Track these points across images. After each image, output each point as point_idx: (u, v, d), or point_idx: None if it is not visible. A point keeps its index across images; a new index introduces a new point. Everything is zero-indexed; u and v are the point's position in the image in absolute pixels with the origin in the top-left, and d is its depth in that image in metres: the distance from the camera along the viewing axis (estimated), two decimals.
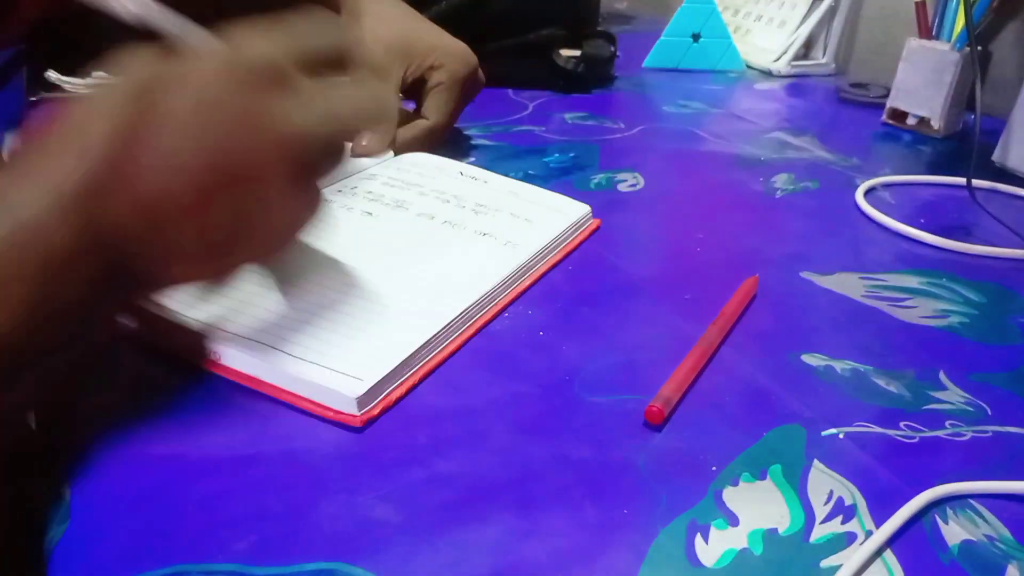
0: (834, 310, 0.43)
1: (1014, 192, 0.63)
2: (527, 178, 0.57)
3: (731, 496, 0.29)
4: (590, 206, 0.51)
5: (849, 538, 0.28)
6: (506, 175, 0.55)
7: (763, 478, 0.30)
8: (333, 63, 0.32)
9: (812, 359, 0.38)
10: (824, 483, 0.30)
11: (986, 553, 0.28)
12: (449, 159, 0.55)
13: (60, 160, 0.26)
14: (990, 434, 0.34)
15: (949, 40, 0.74)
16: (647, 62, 0.96)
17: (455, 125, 0.62)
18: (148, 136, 0.27)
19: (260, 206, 0.29)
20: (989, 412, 0.35)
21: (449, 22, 0.63)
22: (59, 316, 0.27)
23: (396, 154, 0.55)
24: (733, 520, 0.28)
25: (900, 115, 0.78)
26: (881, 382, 0.37)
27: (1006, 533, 0.29)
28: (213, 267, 0.31)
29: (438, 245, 0.43)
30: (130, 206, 0.27)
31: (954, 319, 0.43)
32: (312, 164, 0.31)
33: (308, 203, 0.32)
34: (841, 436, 0.33)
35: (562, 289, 0.43)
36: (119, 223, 0.27)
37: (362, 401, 0.31)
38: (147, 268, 0.29)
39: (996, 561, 0.27)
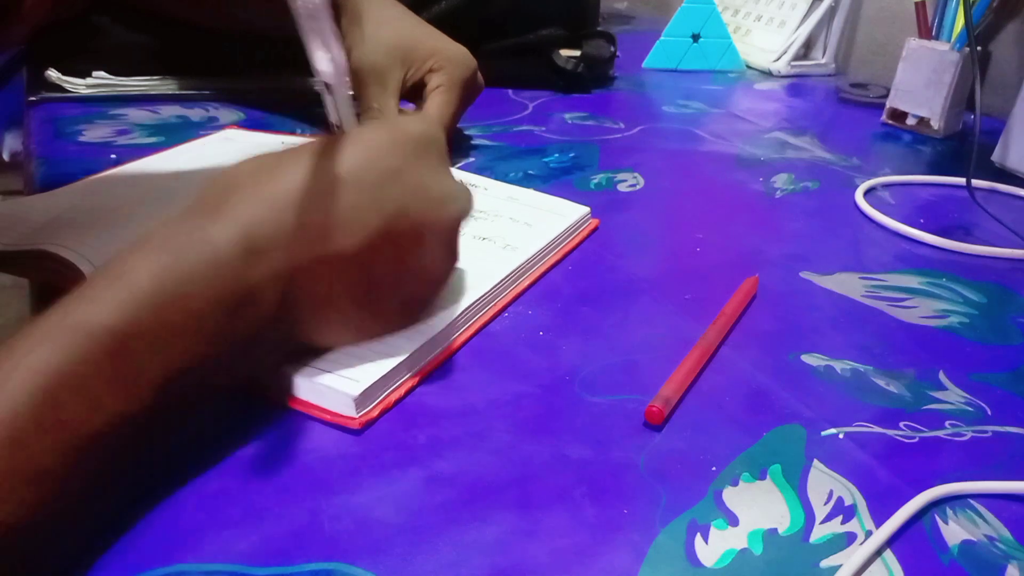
0: (834, 310, 0.43)
1: (1014, 192, 0.63)
2: (527, 178, 0.57)
3: (731, 496, 0.29)
4: (590, 206, 0.51)
5: (849, 538, 0.28)
6: (506, 175, 0.55)
7: (763, 478, 0.30)
8: None
9: (812, 359, 0.38)
10: (824, 483, 0.30)
11: (986, 553, 0.28)
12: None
13: (253, 208, 0.29)
14: (990, 434, 0.34)
15: (949, 40, 0.74)
16: (647, 62, 0.96)
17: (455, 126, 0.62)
18: (333, 195, 0.30)
19: (418, 265, 0.33)
20: (989, 412, 0.35)
21: (449, 22, 0.63)
22: (232, 346, 0.28)
23: None
24: (733, 520, 0.28)
25: (900, 115, 0.78)
26: (881, 382, 0.37)
27: (1006, 533, 0.29)
28: (364, 326, 0.33)
29: None
30: (308, 256, 0.29)
31: (954, 319, 0.43)
32: (459, 228, 0.35)
33: (453, 262, 0.35)
34: (841, 436, 0.33)
35: (562, 289, 0.43)
36: (295, 270, 0.29)
37: (359, 403, 0.31)
38: (306, 319, 0.31)
39: (996, 561, 0.27)
